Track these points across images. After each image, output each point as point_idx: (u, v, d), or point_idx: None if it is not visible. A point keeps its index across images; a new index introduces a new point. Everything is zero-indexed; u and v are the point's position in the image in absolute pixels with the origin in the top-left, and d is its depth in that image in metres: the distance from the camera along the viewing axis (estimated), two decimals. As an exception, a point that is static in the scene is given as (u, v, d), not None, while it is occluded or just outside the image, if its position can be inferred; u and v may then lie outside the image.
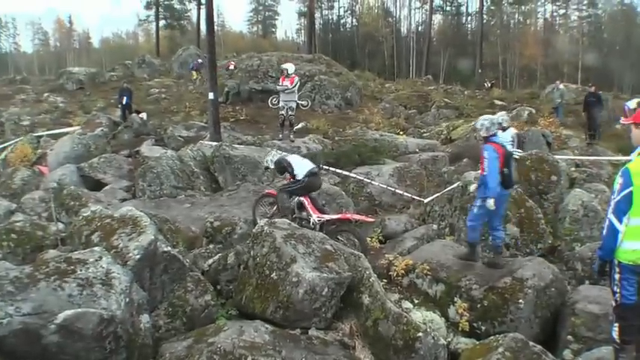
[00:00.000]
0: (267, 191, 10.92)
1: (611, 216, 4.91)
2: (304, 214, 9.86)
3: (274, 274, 6.64)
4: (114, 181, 14.43)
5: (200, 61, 33.96)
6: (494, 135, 8.19)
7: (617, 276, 4.99)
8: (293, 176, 9.87)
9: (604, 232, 5.06)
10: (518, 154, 9.06)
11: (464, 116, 24.86)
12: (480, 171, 8.19)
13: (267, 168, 11.26)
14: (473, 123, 19.71)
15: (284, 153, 11.54)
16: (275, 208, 10.18)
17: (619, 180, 4.85)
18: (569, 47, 69.01)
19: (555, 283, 7.45)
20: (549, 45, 70.13)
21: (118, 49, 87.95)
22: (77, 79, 35.62)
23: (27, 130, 22.29)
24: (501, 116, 9.65)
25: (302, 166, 9.86)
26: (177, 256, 6.99)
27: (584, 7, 77.97)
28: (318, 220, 9.52)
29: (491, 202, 7.77)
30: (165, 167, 13.51)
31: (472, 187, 8.46)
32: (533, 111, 25.83)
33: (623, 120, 5.62)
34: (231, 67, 29.12)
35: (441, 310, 7.48)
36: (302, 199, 9.88)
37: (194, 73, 34.73)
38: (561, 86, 26.98)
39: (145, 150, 16.62)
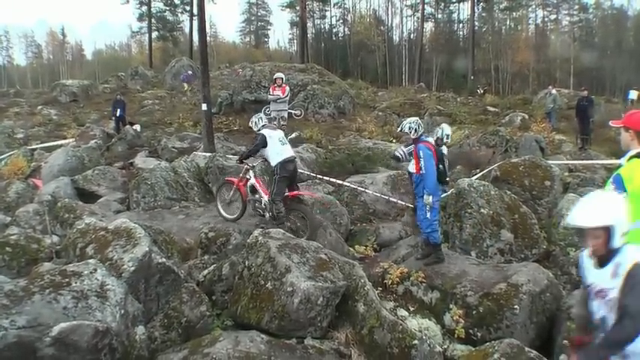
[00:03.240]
0: (227, 179, 11.40)
1: None
2: (257, 196, 10.26)
3: (269, 284, 6.65)
4: (108, 193, 14.40)
5: (190, 72, 34.00)
6: (423, 134, 8.51)
7: None
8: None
9: None
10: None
11: (457, 123, 24.93)
12: (414, 170, 8.60)
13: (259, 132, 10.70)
14: (466, 131, 19.89)
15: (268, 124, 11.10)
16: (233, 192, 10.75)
17: (611, 187, 4.80)
18: (560, 52, 69.35)
19: (550, 288, 7.47)
20: (541, 50, 70.45)
21: (111, 61, 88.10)
22: (70, 91, 35.55)
23: (21, 143, 22.28)
24: (442, 130, 10.31)
25: (280, 151, 9.99)
26: (172, 268, 6.98)
27: (575, 12, 78.55)
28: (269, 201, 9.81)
29: (429, 199, 8.11)
30: (159, 179, 13.50)
31: (430, 199, 8.40)
32: (526, 116, 26.00)
33: (612, 122, 5.61)
34: (241, 71, 29.20)
35: (436, 317, 7.48)
36: (254, 181, 10.34)
37: (185, 85, 34.81)
38: (554, 91, 27.09)
39: (138, 162, 16.63)
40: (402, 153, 10.28)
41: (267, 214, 9.96)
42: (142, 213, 12.47)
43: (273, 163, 9.84)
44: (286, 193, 9.88)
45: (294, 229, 9.85)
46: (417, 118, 8.98)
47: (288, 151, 10.09)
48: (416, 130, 8.43)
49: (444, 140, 10.15)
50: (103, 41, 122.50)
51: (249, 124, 10.95)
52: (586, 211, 3.53)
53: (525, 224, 9.76)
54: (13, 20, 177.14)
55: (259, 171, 11.74)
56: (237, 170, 14.00)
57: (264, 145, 10.00)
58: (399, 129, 8.98)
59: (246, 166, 10.67)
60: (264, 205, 9.97)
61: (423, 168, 8.12)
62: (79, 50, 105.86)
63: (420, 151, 8.18)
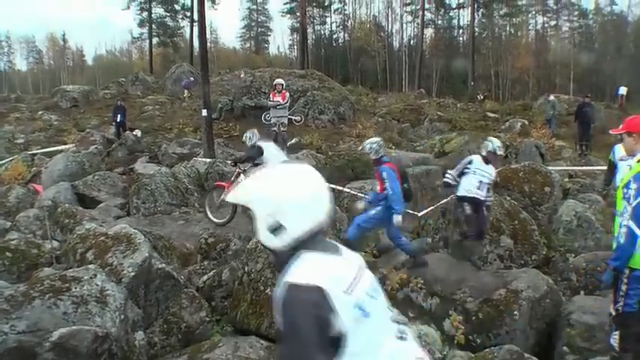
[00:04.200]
0: (217, 183, 11.97)
1: (630, 222, 4.79)
2: None
3: (269, 289, 6.66)
4: (108, 198, 14.40)
5: (192, 79, 34.05)
6: (384, 156, 8.58)
7: (624, 287, 4.92)
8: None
9: (621, 240, 4.90)
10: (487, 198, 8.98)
11: (457, 129, 24.96)
12: (378, 190, 8.54)
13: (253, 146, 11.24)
14: (466, 137, 19.90)
15: (261, 138, 11.67)
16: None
17: (633, 185, 4.75)
18: (560, 58, 69.42)
19: (550, 294, 7.48)
20: (541, 56, 70.51)
21: (111, 67, 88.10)
22: (71, 96, 35.58)
23: (21, 148, 22.30)
24: (491, 143, 9.33)
25: (274, 157, 10.23)
26: (171, 273, 6.99)
27: (574, 18, 78.55)
28: None
29: (399, 218, 8.25)
30: (159, 184, 13.50)
31: (361, 205, 8.76)
32: (526, 122, 26.02)
33: (613, 131, 5.62)
34: (242, 75, 29.27)
35: (436, 323, 7.47)
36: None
37: (185, 91, 34.88)
38: (552, 98, 27.14)
39: (139, 167, 16.65)
40: (451, 176, 9.30)
41: None
42: (142, 219, 12.47)
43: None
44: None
45: None
46: (380, 139, 9.04)
47: (283, 158, 10.46)
48: (376, 151, 8.51)
49: (497, 153, 9.27)
50: (104, 46, 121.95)
51: (243, 138, 11.15)
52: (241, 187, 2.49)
53: (525, 230, 9.76)
54: (15, 26, 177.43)
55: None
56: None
57: (261, 153, 10.41)
58: (361, 148, 9.03)
59: (237, 169, 10.85)
60: None
61: (389, 189, 8.13)
62: (79, 56, 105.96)
63: (384, 173, 8.24)
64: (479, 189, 8.45)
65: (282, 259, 2.22)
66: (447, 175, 9.31)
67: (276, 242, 2.23)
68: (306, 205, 2.20)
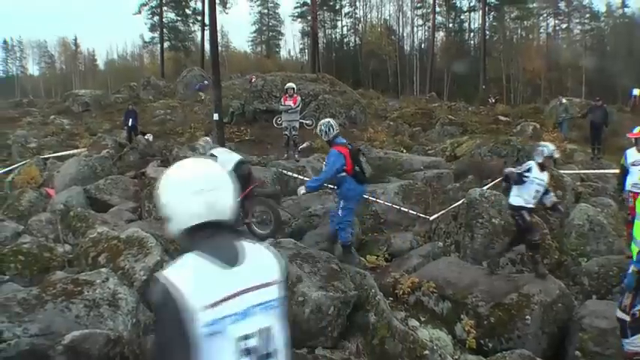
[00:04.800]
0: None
1: None
2: None
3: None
4: (120, 202, 14.45)
5: (206, 82, 34.11)
6: (337, 137, 8.85)
7: None
8: None
9: None
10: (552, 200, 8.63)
11: (468, 133, 24.88)
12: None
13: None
14: (477, 140, 19.85)
15: (213, 145, 12.00)
16: None
17: None
18: (572, 61, 69.09)
19: (562, 298, 7.44)
20: (553, 59, 70.19)
21: (123, 71, 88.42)
22: (83, 101, 35.78)
23: (34, 153, 22.37)
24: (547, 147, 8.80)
25: (228, 160, 10.27)
26: (183, 277, 7.00)
27: (586, 21, 78.24)
28: None
29: (302, 190, 8.93)
30: (170, 188, 13.53)
31: (302, 191, 9.00)
32: (538, 126, 25.91)
33: (630, 135, 5.62)
34: (254, 79, 29.31)
35: (447, 327, 7.46)
36: None
37: (201, 94, 34.96)
38: (564, 100, 26.96)
39: (150, 171, 16.68)
40: (511, 172, 8.69)
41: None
42: (154, 222, 12.50)
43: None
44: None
45: (260, 222, 10.67)
46: (329, 120, 9.28)
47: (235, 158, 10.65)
48: (326, 132, 8.82)
49: (555, 157, 8.86)
50: (115, 51, 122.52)
51: (196, 146, 12.12)
52: None
53: (537, 234, 9.70)
54: (27, 31, 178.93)
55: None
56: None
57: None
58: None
59: None
60: None
61: (325, 166, 8.62)
62: (91, 60, 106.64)
63: (331, 156, 8.57)
64: (534, 198, 8.26)
65: (182, 250, 2.31)
66: (510, 171, 8.62)
67: (170, 230, 2.40)
68: (182, 201, 2.30)
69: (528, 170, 8.13)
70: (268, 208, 10.63)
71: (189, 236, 2.32)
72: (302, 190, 8.92)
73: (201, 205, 2.29)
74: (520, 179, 8.10)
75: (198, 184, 2.31)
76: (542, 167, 8.25)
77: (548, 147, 8.42)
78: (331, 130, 8.81)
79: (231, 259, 2.23)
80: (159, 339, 2.28)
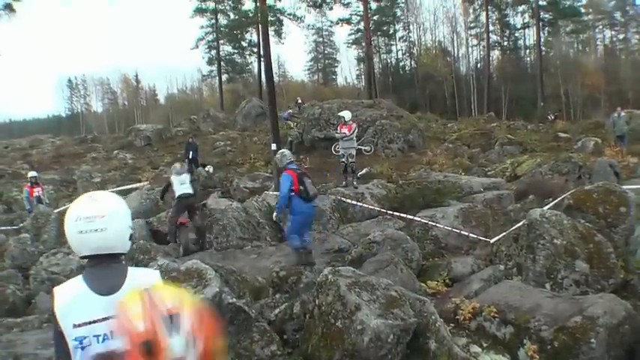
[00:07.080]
0: (180, 221, 13.73)
1: None
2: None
3: (339, 322, 6.67)
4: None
5: (290, 111, 34.40)
6: (290, 163, 10.64)
7: None
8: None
9: None
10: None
11: (528, 151, 24.53)
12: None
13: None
14: (538, 159, 19.54)
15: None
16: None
17: None
18: (632, 72, 67.29)
19: (629, 320, 7.18)
20: (611, 72, 68.51)
21: (183, 104, 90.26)
22: (145, 135, 36.81)
23: (98, 187, 22.97)
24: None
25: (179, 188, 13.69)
26: (242, 307, 7.09)
27: (644, 30, 76.27)
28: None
29: (274, 215, 11.55)
30: (231, 219, 13.77)
31: (275, 214, 11.65)
32: (599, 141, 25.30)
33: None
34: (299, 100, 29.69)
35: (510, 353, 7.29)
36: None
37: (290, 122, 35.27)
38: (623, 113, 26.13)
39: (211, 202, 16.98)
40: None
41: None
42: (215, 253, 12.72)
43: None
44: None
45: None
46: (283, 150, 11.51)
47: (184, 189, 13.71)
48: (280, 160, 10.82)
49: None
50: (175, 85, 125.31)
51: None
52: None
53: (601, 253, 9.42)
54: (90, 68, 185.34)
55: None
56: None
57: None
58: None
59: None
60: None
61: (279, 190, 10.65)
62: (152, 95, 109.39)
63: (282, 179, 10.38)
64: None
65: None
66: None
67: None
68: (70, 238, 2.63)
69: None
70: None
71: (85, 261, 2.68)
72: (275, 213, 11.48)
73: (83, 244, 2.62)
74: None
75: (78, 226, 2.60)
76: None
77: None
78: (284, 159, 10.71)
79: (107, 288, 2.57)
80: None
